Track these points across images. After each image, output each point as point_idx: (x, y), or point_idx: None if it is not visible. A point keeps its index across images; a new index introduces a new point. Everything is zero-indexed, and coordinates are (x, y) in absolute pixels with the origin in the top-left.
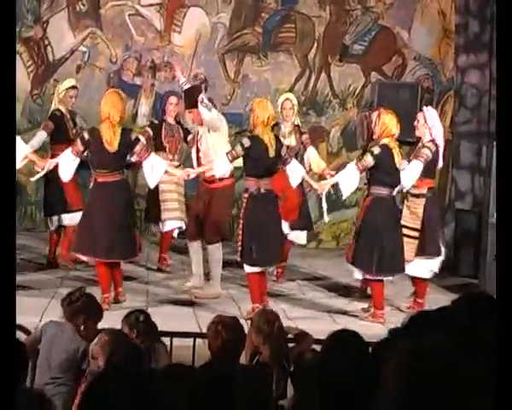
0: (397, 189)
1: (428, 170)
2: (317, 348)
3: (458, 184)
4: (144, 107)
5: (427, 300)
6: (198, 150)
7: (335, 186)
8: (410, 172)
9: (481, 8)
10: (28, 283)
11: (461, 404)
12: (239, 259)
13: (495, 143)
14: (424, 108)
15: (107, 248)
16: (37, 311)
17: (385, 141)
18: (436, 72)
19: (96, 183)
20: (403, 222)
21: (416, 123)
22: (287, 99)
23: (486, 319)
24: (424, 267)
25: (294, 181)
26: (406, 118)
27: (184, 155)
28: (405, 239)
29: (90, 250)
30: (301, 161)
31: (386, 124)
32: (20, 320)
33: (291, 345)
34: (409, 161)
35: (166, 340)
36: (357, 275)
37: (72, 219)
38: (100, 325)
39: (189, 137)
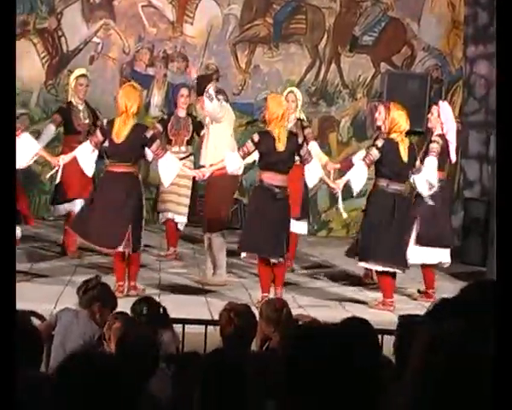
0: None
1: (438, 163)
2: None
3: (467, 173)
4: (157, 97)
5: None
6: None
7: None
8: (430, 170)
9: None
10: (43, 271)
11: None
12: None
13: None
14: (440, 102)
15: (97, 235)
16: (51, 298)
17: (393, 136)
18: (445, 62)
19: (105, 171)
20: None
21: (429, 115)
22: (291, 92)
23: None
24: (433, 255)
25: (311, 181)
26: (415, 108)
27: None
28: None
29: (82, 232)
30: None
31: (396, 120)
32: (35, 307)
33: None
34: (420, 161)
35: (179, 327)
36: (362, 264)
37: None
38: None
39: (202, 132)
